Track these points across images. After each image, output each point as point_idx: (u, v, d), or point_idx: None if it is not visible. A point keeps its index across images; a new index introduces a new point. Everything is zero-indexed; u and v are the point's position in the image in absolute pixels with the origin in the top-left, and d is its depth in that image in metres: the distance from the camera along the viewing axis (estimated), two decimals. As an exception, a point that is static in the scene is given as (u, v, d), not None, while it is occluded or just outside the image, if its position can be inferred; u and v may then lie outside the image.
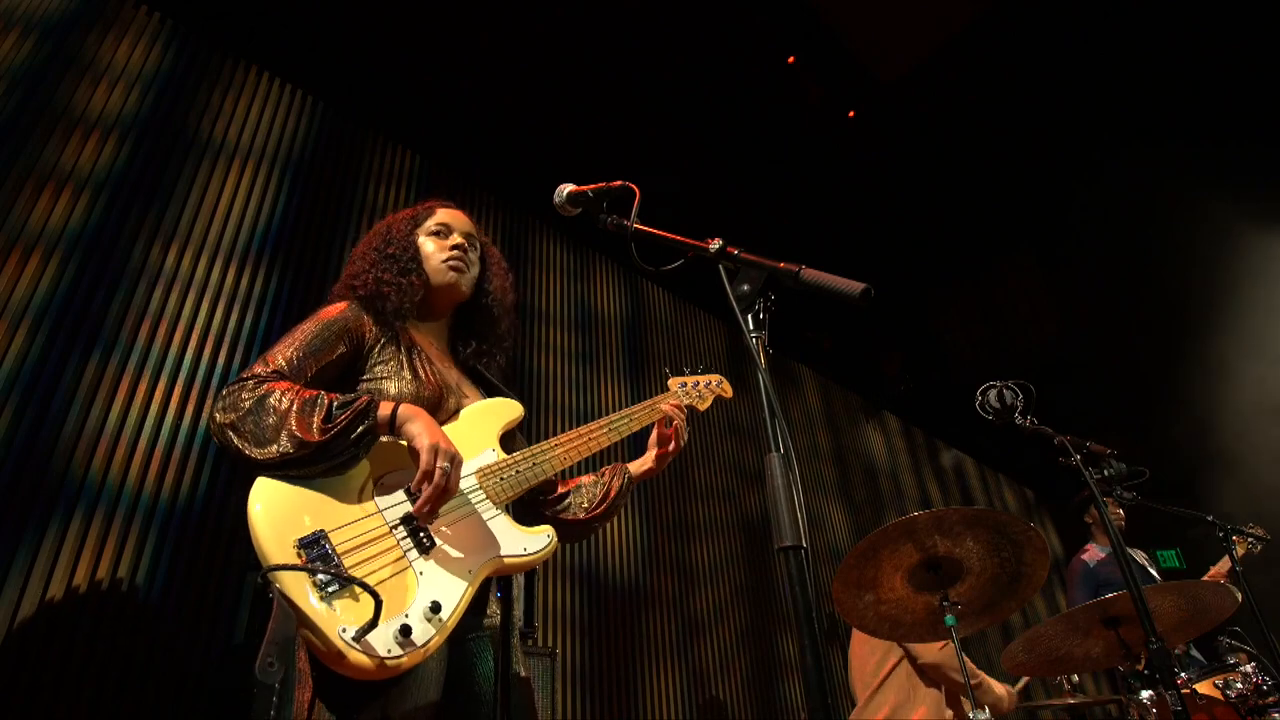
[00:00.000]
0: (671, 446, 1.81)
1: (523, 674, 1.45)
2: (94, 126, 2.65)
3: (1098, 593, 3.46)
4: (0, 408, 2.14)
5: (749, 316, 1.19)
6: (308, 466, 1.24)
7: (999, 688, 3.20)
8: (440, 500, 1.29)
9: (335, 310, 1.49)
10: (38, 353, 2.26)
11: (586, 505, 1.74)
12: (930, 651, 3.13)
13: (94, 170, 2.59)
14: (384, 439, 1.34)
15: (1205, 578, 3.69)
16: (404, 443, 1.33)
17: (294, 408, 1.25)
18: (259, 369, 1.33)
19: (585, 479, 1.80)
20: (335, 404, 1.28)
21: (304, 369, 1.38)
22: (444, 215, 1.73)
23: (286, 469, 1.23)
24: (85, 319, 2.40)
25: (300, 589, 1.12)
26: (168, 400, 2.49)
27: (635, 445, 4.10)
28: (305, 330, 1.44)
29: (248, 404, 1.26)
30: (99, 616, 2.13)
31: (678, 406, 1.84)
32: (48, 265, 2.37)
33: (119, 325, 2.47)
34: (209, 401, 2.57)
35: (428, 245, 1.66)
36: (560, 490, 1.76)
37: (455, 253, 1.66)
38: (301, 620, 1.10)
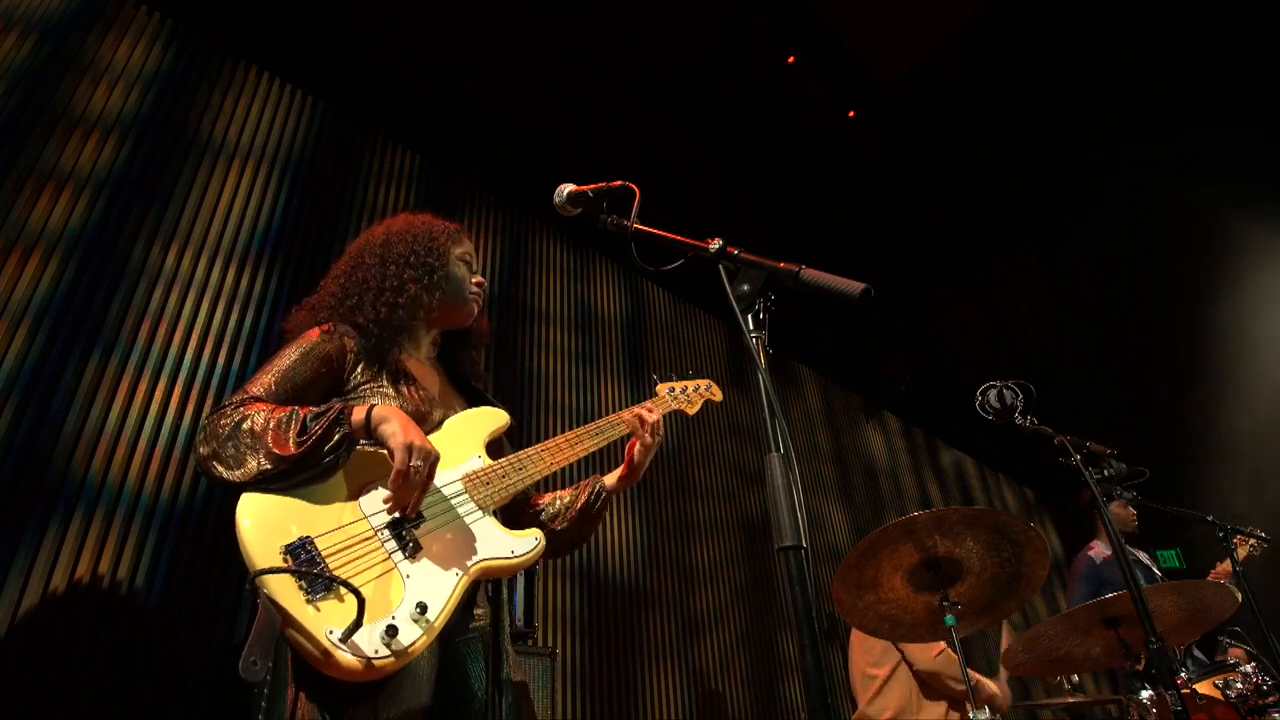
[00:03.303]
0: (637, 453, 1.77)
1: (516, 678, 1.45)
2: (94, 126, 2.65)
3: (1100, 591, 3.45)
4: (0, 408, 2.14)
5: (749, 316, 1.19)
6: (288, 479, 1.26)
7: (992, 687, 3.19)
8: (412, 496, 1.29)
9: (315, 334, 1.50)
10: (38, 353, 2.26)
11: (557, 519, 1.73)
12: (926, 659, 3.10)
13: (94, 170, 2.59)
14: (367, 448, 1.35)
15: (1209, 577, 3.68)
16: (384, 451, 1.33)
17: (269, 425, 1.27)
18: (237, 397, 1.35)
19: (562, 493, 1.78)
20: (309, 416, 1.29)
21: (282, 395, 1.40)
22: (471, 248, 1.78)
23: (268, 484, 1.25)
24: (85, 319, 2.40)
25: (287, 592, 1.13)
26: (168, 400, 2.49)
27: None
28: (286, 356, 1.45)
29: (226, 430, 1.28)
30: (99, 616, 2.13)
31: (649, 411, 1.80)
32: (48, 265, 2.37)
33: (119, 325, 2.47)
34: (208, 403, 2.57)
35: (460, 269, 1.71)
36: (536, 504, 1.75)
37: (479, 290, 1.74)
38: (288, 623, 1.11)
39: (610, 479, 1.79)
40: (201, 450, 1.29)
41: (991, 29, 4.70)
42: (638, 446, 1.76)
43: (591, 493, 1.74)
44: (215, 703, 2.24)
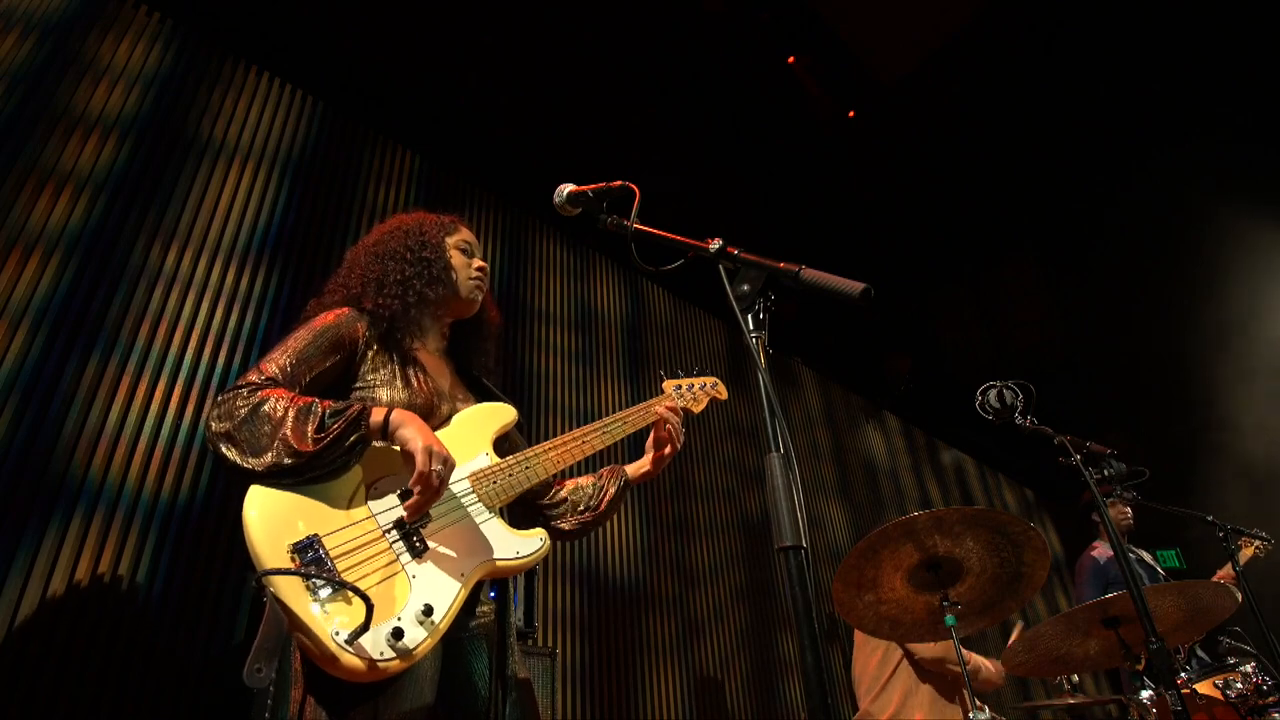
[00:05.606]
0: (668, 449, 1.82)
1: (521, 675, 1.45)
2: (94, 126, 2.64)
3: (1106, 590, 3.45)
4: (0, 408, 2.14)
5: (749, 316, 1.19)
6: (301, 475, 1.25)
7: (990, 666, 3.24)
8: (430, 502, 1.31)
9: (329, 318, 1.49)
10: (38, 353, 2.26)
11: (583, 509, 1.77)
12: (929, 646, 3.13)
13: (94, 170, 2.59)
14: (376, 444, 1.35)
15: (1214, 578, 3.68)
16: (396, 449, 1.33)
17: (289, 416, 1.26)
18: (253, 377, 1.34)
19: (583, 480, 1.82)
20: (328, 412, 1.29)
21: (298, 377, 1.40)
22: (469, 234, 1.78)
23: (280, 478, 1.24)
24: (85, 319, 2.39)
25: (294, 593, 1.13)
26: (168, 400, 2.49)
27: (634, 445, 4.11)
28: (299, 338, 1.45)
29: (243, 412, 1.27)
30: (99, 616, 2.13)
31: (673, 409, 1.84)
32: (48, 265, 2.37)
33: (119, 325, 2.46)
34: (208, 403, 2.57)
35: (457, 258, 1.70)
36: (556, 492, 1.78)
37: (481, 275, 1.73)
38: (295, 623, 1.11)
39: (633, 471, 1.82)
40: (215, 427, 1.26)
41: (991, 29, 4.71)
42: (668, 449, 1.81)
43: (619, 483, 1.79)
44: (215, 703, 2.24)
